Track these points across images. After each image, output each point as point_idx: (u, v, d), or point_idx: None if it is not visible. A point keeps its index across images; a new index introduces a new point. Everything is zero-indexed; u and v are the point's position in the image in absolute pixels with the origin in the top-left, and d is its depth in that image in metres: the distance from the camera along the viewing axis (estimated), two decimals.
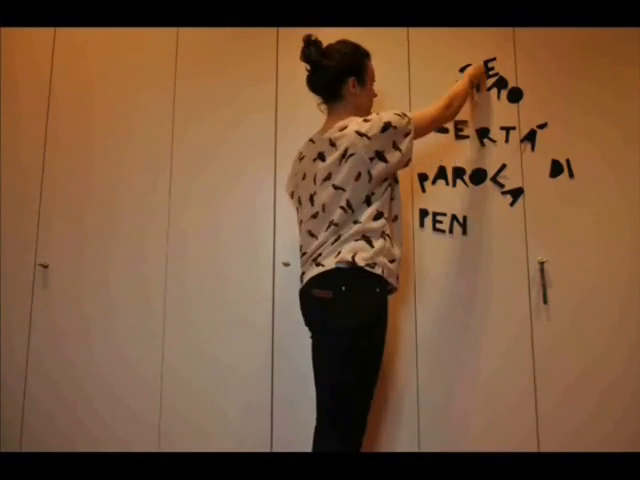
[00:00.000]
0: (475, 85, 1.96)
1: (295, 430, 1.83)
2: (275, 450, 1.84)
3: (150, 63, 2.10)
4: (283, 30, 2.06)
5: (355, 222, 1.46)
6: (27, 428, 1.93)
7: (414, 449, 1.82)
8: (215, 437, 1.87)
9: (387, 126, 1.46)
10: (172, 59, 2.10)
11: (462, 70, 1.98)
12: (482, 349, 1.86)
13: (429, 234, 1.93)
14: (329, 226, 1.48)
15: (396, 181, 1.57)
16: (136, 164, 2.05)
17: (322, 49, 1.57)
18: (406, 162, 1.52)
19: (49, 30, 2.14)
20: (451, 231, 1.93)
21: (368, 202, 1.47)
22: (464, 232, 1.93)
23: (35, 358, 1.97)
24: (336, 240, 1.46)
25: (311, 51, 1.55)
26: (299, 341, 1.86)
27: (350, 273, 1.42)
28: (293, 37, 2.04)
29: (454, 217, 1.94)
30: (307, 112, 1.96)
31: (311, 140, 1.62)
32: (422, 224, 1.94)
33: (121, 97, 2.10)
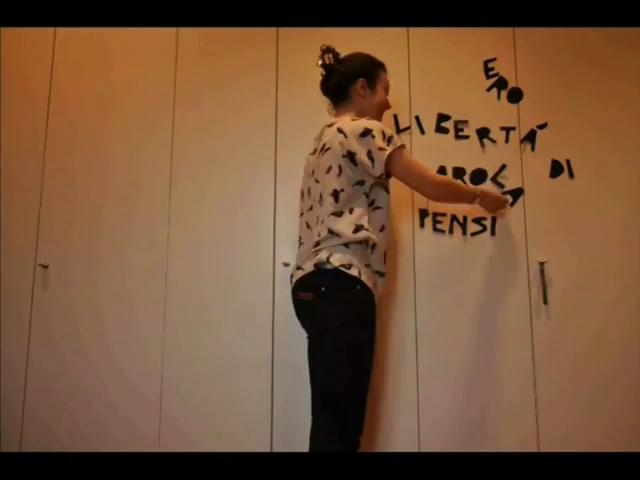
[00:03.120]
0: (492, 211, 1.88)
1: (295, 426, 1.83)
2: (275, 445, 1.84)
3: (150, 69, 2.10)
4: (282, 36, 2.05)
5: (321, 217, 1.49)
6: (27, 426, 1.92)
7: (414, 449, 1.82)
8: (211, 417, 1.88)
9: (366, 132, 1.48)
10: (172, 67, 2.10)
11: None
12: (482, 349, 1.86)
13: (429, 234, 1.93)
14: (317, 221, 1.53)
15: (387, 191, 1.55)
16: (138, 164, 2.05)
17: (338, 57, 1.66)
18: (377, 176, 1.49)
19: (49, 30, 2.15)
20: (451, 231, 1.93)
21: (335, 197, 1.48)
22: (464, 232, 1.93)
23: (35, 358, 1.96)
24: (317, 244, 1.48)
25: (328, 57, 1.64)
26: (299, 341, 1.86)
27: (327, 274, 1.44)
28: (293, 41, 2.05)
29: (454, 217, 1.94)
30: (307, 118, 1.97)
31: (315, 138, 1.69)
32: (422, 224, 1.94)
33: (122, 99, 2.10)
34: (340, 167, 1.49)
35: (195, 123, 2.05)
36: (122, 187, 2.04)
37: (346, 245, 1.45)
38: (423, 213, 1.94)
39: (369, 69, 1.64)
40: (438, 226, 1.94)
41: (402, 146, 1.51)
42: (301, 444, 1.76)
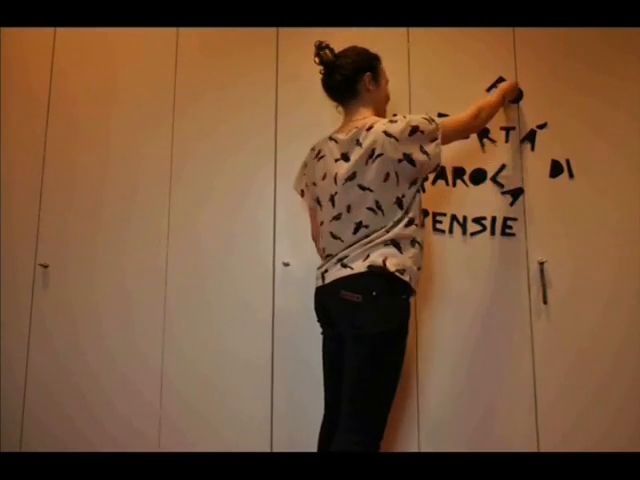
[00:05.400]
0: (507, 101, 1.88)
1: (295, 427, 1.84)
2: (275, 446, 1.84)
3: (150, 69, 2.10)
4: (282, 36, 2.06)
5: (386, 226, 1.45)
6: (27, 426, 1.93)
7: (414, 449, 1.82)
8: (211, 417, 1.88)
9: (414, 130, 1.47)
10: (172, 67, 2.10)
11: (489, 90, 1.97)
12: (482, 349, 1.86)
13: (429, 234, 1.93)
14: (357, 228, 1.47)
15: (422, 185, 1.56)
16: (138, 164, 2.05)
17: (334, 52, 1.59)
18: (434, 167, 1.51)
19: (49, 30, 2.15)
20: (451, 231, 1.93)
21: (400, 204, 1.46)
22: (464, 232, 1.93)
23: (35, 358, 1.97)
24: (366, 243, 1.45)
25: (325, 53, 1.57)
26: (299, 341, 1.87)
27: (381, 278, 1.41)
28: (293, 41, 2.05)
29: (454, 217, 1.94)
30: (307, 117, 1.98)
31: (332, 139, 1.59)
32: (422, 224, 1.94)
33: (122, 99, 2.10)
34: (397, 173, 1.46)
35: (195, 123, 2.06)
36: (122, 187, 2.05)
37: (398, 247, 1.44)
38: (423, 213, 1.94)
39: (371, 62, 1.60)
40: (438, 226, 1.94)
41: (439, 123, 1.50)
42: (301, 445, 1.78)
